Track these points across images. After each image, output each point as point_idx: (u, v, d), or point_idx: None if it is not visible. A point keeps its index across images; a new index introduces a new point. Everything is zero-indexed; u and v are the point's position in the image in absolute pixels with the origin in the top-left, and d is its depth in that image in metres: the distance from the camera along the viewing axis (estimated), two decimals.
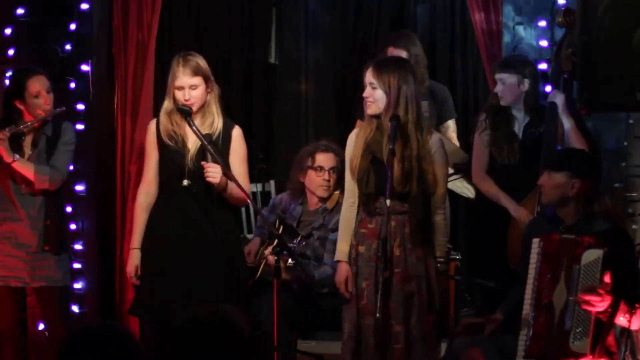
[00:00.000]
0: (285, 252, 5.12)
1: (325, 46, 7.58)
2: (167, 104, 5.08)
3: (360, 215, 4.94)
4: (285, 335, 5.46)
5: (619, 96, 4.40)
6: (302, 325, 5.79)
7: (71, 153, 5.59)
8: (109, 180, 6.41)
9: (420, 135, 4.80)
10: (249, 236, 6.15)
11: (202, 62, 5.02)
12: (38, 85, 5.43)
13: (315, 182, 5.79)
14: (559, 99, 5.31)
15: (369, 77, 4.83)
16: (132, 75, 6.37)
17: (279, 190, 6.82)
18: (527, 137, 5.52)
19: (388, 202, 4.64)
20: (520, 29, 6.14)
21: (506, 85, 5.49)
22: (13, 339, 5.61)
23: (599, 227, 4.57)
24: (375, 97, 4.81)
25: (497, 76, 5.53)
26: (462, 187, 6.12)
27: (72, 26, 6.35)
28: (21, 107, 5.45)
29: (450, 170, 5.92)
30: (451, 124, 6.22)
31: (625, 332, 4.44)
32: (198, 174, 4.96)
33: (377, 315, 4.61)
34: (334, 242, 5.66)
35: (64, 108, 5.54)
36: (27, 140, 5.51)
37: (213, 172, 4.91)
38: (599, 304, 4.34)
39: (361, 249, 4.90)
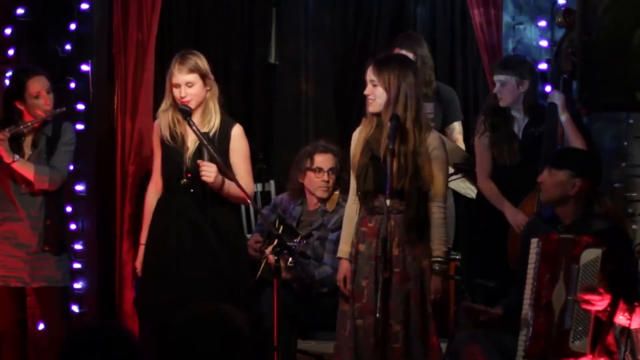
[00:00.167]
0: (285, 252, 5.12)
1: (325, 46, 7.58)
2: (165, 102, 5.09)
3: (361, 213, 4.95)
4: (285, 335, 5.46)
5: (619, 96, 4.39)
6: (302, 325, 5.79)
7: (71, 153, 5.59)
8: (109, 180, 6.41)
9: (418, 132, 4.79)
10: (249, 236, 6.16)
11: (200, 61, 5.02)
12: (38, 85, 5.43)
13: (315, 183, 5.79)
14: (559, 99, 5.31)
15: (370, 74, 4.83)
16: (132, 75, 6.37)
17: (279, 190, 6.82)
18: (527, 137, 5.52)
19: (388, 201, 4.64)
20: (520, 29, 6.14)
21: (505, 86, 5.49)
22: (13, 339, 5.61)
23: (597, 226, 4.57)
24: (375, 94, 4.82)
25: (496, 77, 5.52)
26: (465, 188, 6.12)
27: (72, 26, 6.35)
28: (21, 107, 5.46)
29: (451, 170, 5.93)
30: (457, 126, 6.23)
31: (625, 331, 4.44)
32: (196, 172, 4.96)
33: (377, 315, 4.60)
34: (334, 242, 5.67)
35: (64, 108, 5.54)
36: (27, 141, 5.51)
37: (208, 171, 4.91)
38: (599, 303, 4.34)
39: (361, 247, 4.90)
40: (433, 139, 4.83)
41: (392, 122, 4.73)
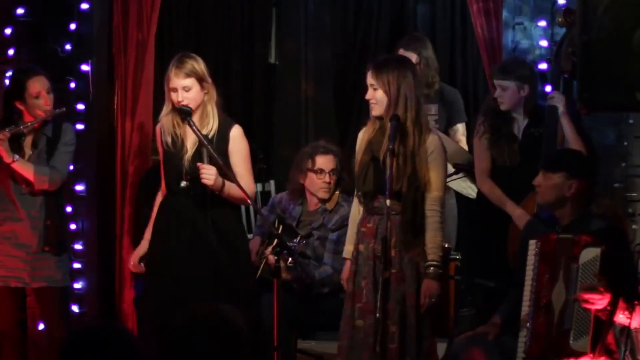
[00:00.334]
0: (285, 252, 5.12)
1: (325, 46, 7.58)
2: (165, 107, 5.09)
3: (362, 214, 4.95)
4: (285, 335, 5.46)
5: (619, 96, 4.40)
6: (302, 325, 5.79)
7: (71, 154, 5.59)
8: (109, 180, 6.40)
9: (418, 133, 4.77)
10: (249, 236, 6.16)
11: (197, 64, 5.01)
12: (38, 85, 5.43)
13: (316, 184, 5.79)
14: (560, 103, 5.31)
15: (369, 78, 4.83)
16: (132, 75, 6.37)
17: (279, 190, 6.82)
18: (527, 138, 5.52)
19: (388, 202, 4.63)
20: (520, 29, 6.14)
21: (506, 91, 5.48)
22: (13, 339, 5.61)
23: (595, 226, 4.57)
24: (377, 98, 4.81)
25: (497, 82, 5.52)
26: (466, 187, 6.13)
27: (72, 26, 6.35)
28: (21, 107, 5.45)
29: (452, 170, 5.94)
30: (460, 127, 6.25)
31: (625, 331, 4.44)
32: (196, 175, 4.96)
33: (377, 315, 4.60)
34: (334, 242, 5.68)
35: (64, 109, 5.54)
36: (27, 141, 5.51)
37: (207, 174, 4.91)
38: (599, 302, 4.34)
39: (361, 247, 4.90)
40: (432, 141, 4.81)
41: (392, 122, 4.72)
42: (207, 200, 5.00)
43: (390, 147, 4.66)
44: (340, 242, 5.65)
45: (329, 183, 5.78)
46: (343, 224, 5.63)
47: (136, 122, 6.34)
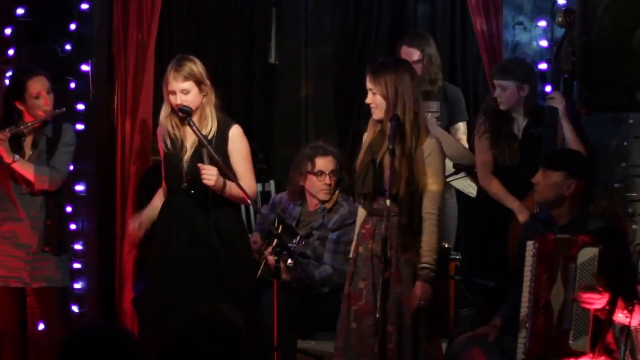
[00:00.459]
0: (285, 253, 5.12)
1: (325, 46, 7.58)
2: (164, 109, 5.09)
3: (365, 216, 4.95)
4: (285, 335, 5.46)
5: (619, 96, 4.39)
6: (302, 325, 5.80)
7: (71, 154, 5.59)
8: (109, 180, 6.41)
9: (415, 136, 4.74)
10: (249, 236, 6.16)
11: (195, 67, 5.00)
12: (38, 85, 5.43)
13: (317, 186, 5.79)
14: (560, 105, 5.31)
15: (368, 83, 4.81)
16: (132, 75, 6.37)
17: (279, 190, 6.82)
18: (527, 137, 5.52)
19: (388, 202, 4.63)
20: (520, 29, 6.14)
21: (506, 91, 5.49)
22: (13, 339, 5.62)
23: (593, 226, 4.58)
24: (376, 102, 4.80)
25: (496, 82, 5.52)
26: (467, 185, 6.13)
27: (72, 26, 6.35)
28: (21, 107, 5.46)
29: (452, 170, 5.94)
30: (461, 126, 6.25)
31: (625, 331, 4.44)
32: (196, 175, 4.96)
33: (377, 315, 4.60)
34: (334, 242, 5.68)
35: (64, 109, 5.54)
36: (28, 141, 5.52)
37: (208, 175, 4.91)
38: (598, 301, 4.34)
39: (360, 249, 4.90)
40: (430, 144, 4.78)
41: (392, 122, 4.72)
42: (207, 200, 5.00)
43: (390, 147, 4.66)
44: (340, 241, 5.65)
45: (330, 185, 5.78)
46: (343, 224, 5.64)
47: (137, 122, 6.34)
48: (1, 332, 5.58)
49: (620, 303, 4.35)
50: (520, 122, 5.56)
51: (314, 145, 5.95)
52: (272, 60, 7.64)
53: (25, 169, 5.41)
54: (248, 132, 5.29)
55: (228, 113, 5.23)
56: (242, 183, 4.93)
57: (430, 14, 7.28)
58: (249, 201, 5.04)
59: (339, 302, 5.01)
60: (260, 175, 6.87)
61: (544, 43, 6.05)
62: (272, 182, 7.21)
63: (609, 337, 4.44)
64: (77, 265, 6.27)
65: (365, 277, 4.83)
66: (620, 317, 4.38)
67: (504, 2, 6.07)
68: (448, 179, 5.98)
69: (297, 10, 7.60)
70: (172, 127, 5.06)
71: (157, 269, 5.13)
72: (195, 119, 5.00)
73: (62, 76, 6.23)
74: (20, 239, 5.48)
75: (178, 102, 4.97)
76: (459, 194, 6.29)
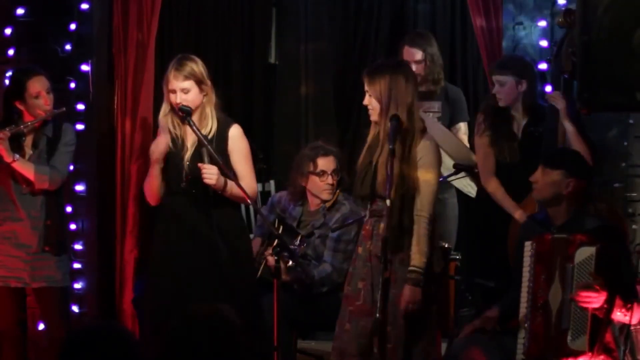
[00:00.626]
0: (285, 254, 5.12)
1: (325, 46, 7.58)
2: (164, 108, 5.09)
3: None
4: (285, 335, 5.46)
5: (619, 96, 4.39)
6: (302, 325, 5.80)
7: (71, 154, 5.60)
8: (109, 180, 6.41)
9: (409, 139, 4.71)
10: (250, 236, 6.16)
11: (196, 67, 5.01)
12: (38, 85, 5.43)
13: (319, 186, 5.79)
14: (561, 106, 5.31)
15: (365, 85, 4.82)
16: (132, 75, 6.37)
17: (279, 190, 6.82)
18: (527, 136, 5.53)
19: (388, 202, 4.62)
20: (520, 29, 6.14)
21: (504, 87, 5.50)
22: (13, 339, 5.62)
23: (590, 225, 4.59)
24: (372, 104, 4.80)
25: (495, 78, 5.53)
26: (466, 185, 6.13)
27: (72, 26, 6.36)
28: (21, 107, 5.46)
29: (452, 170, 5.94)
30: (462, 126, 6.26)
31: (624, 330, 4.45)
32: (196, 175, 4.96)
33: (377, 315, 4.59)
34: (334, 240, 5.68)
35: (64, 108, 5.54)
36: (28, 141, 5.52)
37: (209, 174, 4.91)
38: (595, 300, 4.35)
39: (359, 249, 4.89)
40: (423, 146, 4.74)
41: (392, 122, 4.71)
42: (208, 200, 5.00)
43: (390, 147, 4.64)
44: (340, 240, 5.66)
45: (332, 184, 5.78)
46: (345, 222, 5.64)
47: (137, 122, 6.34)
48: (1, 332, 5.58)
49: (618, 301, 4.35)
50: (519, 121, 5.56)
51: (315, 145, 5.95)
52: (272, 60, 7.64)
53: (25, 168, 5.41)
54: (248, 132, 5.29)
55: (228, 113, 5.24)
56: (242, 183, 4.94)
57: (430, 13, 7.28)
58: (249, 201, 5.05)
59: (338, 302, 5.01)
60: (260, 175, 6.87)
61: (544, 43, 6.05)
62: (272, 182, 7.21)
63: (608, 337, 4.44)
64: (77, 265, 6.27)
65: (365, 278, 4.83)
66: (619, 315, 4.39)
67: (504, 2, 6.07)
68: (448, 179, 5.99)
69: (297, 10, 7.60)
70: (173, 126, 5.06)
71: (158, 269, 5.13)
72: (195, 118, 5.00)
73: (62, 76, 6.24)
74: (20, 239, 5.49)
75: (178, 101, 4.97)
76: (459, 194, 6.29)
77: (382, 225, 4.71)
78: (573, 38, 5.07)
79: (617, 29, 4.32)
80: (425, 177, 4.73)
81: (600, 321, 4.38)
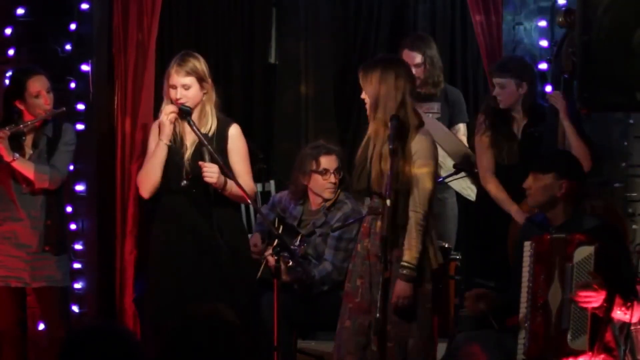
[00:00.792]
0: (286, 254, 5.12)
1: (325, 46, 7.58)
2: (165, 103, 5.09)
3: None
4: (285, 335, 5.46)
5: (619, 96, 4.40)
6: (302, 325, 5.79)
7: (71, 154, 5.60)
8: (109, 180, 6.40)
9: (402, 135, 4.70)
10: (250, 235, 6.16)
11: (199, 64, 5.01)
12: (38, 85, 5.43)
13: (322, 185, 5.79)
14: (561, 105, 5.31)
15: (360, 80, 4.83)
16: (132, 75, 6.37)
17: (279, 190, 6.82)
18: (526, 137, 5.53)
19: (388, 202, 4.62)
20: (520, 29, 6.14)
21: (505, 89, 5.49)
22: (13, 339, 5.61)
23: (588, 224, 4.59)
24: (367, 100, 4.81)
25: (495, 80, 5.53)
26: (466, 187, 6.13)
27: (72, 26, 6.35)
28: (21, 107, 5.46)
29: (452, 170, 5.94)
30: (462, 127, 6.27)
31: (625, 329, 4.45)
32: (196, 173, 4.96)
33: (377, 315, 4.59)
34: (335, 238, 5.68)
35: (64, 108, 5.54)
36: (28, 141, 5.52)
37: (210, 172, 4.91)
38: (595, 299, 4.35)
39: (358, 247, 4.90)
40: (418, 141, 4.72)
41: (392, 121, 4.70)
42: (208, 199, 5.01)
43: (391, 147, 4.64)
44: (342, 239, 5.66)
45: (335, 183, 5.78)
46: (346, 221, 5.64)
47: (137, 122, 6.34)
48: (1, 332, 5.58)
49: (618, 300, 4.35)
50: (519, 122, 5.56)
51: (316, 144, 5.95)
52: (272, 60, 7.64)
53: (25, 167, 5.41)
54: (248, 132, 5.30)
55: (228, 113, 5.24)
56: (240, 182, 4.94)
57: (430, 14, 7.28)
58: (248, 200, 5.05)
59: (339, 302, 5.01)
60: (260, 175, 6.87)
61: (544, 43, 6.05)
62: (272, 182, 7.21)
63: (608, 336, 4.45)
64: (77, 265, 6.27)
65: (363, 275, 4.83)
66: (619, 314, 4.39)
67: (504, 2, 6.07)
68: (447, 180, 5.99)
69: (297, 10, 7.60)
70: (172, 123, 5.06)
71: (158, 269, 5.13)
72: (195, 116, 5.01)
73: (62, 76, 6.23)
74: (20, 239, 5.49)
75: (178, 96, 4.98)
76: (459, 193, 6.29)
77: (379, 223, 4.71)
78: (573, 38, 5.07)
79: (617, 29, 4.32)
80: (420, 171, 4.72)
81: (600, 320, 4.38)
